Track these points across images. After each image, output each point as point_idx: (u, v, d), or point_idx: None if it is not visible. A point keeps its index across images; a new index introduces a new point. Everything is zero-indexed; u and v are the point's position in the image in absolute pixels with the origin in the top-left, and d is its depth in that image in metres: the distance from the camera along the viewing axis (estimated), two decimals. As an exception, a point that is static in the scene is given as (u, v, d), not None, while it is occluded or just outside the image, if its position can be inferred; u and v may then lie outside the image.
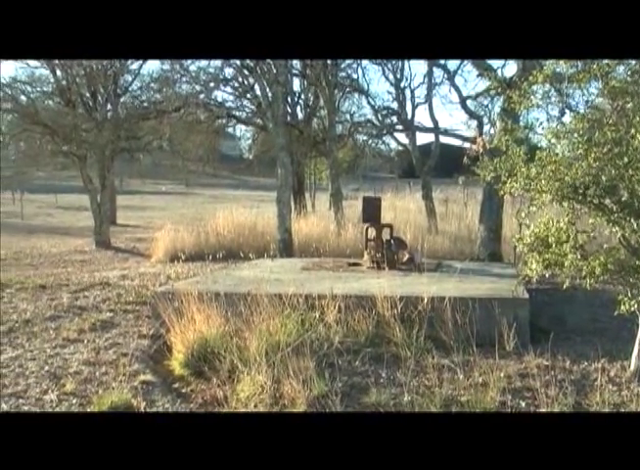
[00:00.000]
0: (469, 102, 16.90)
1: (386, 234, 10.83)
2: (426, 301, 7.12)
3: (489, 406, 5.14)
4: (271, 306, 6.99)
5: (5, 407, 5.54)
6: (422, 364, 6.21)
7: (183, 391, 5.94)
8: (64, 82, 20.09)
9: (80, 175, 20.29)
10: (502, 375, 5.85)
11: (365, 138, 24.71)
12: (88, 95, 20.72)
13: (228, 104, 21.71)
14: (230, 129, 41.26)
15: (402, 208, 19.10)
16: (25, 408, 5.50)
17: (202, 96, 18.95)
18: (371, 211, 10.99)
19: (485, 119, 14.90)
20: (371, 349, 6.79)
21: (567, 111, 6.20)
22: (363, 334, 7.04)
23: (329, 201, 22.11)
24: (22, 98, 20.83)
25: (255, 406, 5.33)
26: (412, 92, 20.22)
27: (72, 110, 20.00)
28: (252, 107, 21.56)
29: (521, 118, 11.20)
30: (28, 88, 21.17)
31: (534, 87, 6.26)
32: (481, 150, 10.16)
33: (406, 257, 10.31)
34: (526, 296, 7.52)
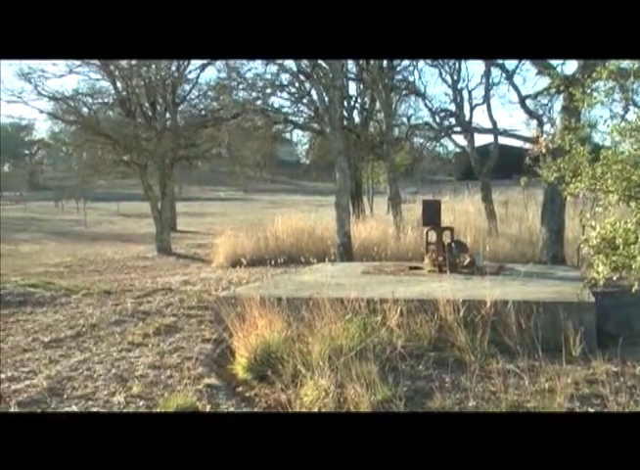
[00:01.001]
0: (528, 101, 16.61)
1: (446, 237, 10.73)
2: (489, 304, 7.01)
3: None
4: (333, 311, 6.98)
5: (75, 409, 5.69)
6: (486, 369, 6.12)
7: (247, 394, 5.97)
8: (124, 93, 20.51)
9: (141, 183, 20.68)
10: (569, 381, 5.70)
11: (422, 141, 24.55)
12: (147, 105, 21.12)
13: (285, 109, 21.87)
14: (287, 135, 41.59)
15: (461, 210, 18.89)
16: (95, 410, 5.67)
17: (259, 102, 19.14)
18: (431, 215, 10.90)
19: (545, 119, 14.60)
20: (434, 353, 6.72)
21: (631, 107, 6.06)
22: (426, 338, 6.97)
23: (387, 204, 22.06)
24: (85, 110, 21.35)
25: (320, 410, 5.33)
26: (470, 93, 20.01)
27: (133, 120, 20.40)
28: (309, 112, 21.68)
29: (581, 117, 11.02)
30: (90, 100, 21.69)
31: (597, 84, 6.13)
32: (544, 150, 9.99)
33: (467, 260, 10.18)
34: (592, 299, 7.34)
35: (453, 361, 6.39)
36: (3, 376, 6.74)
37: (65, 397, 6.06)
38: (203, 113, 21.51)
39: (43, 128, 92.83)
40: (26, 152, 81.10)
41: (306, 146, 43.76)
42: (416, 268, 10.56)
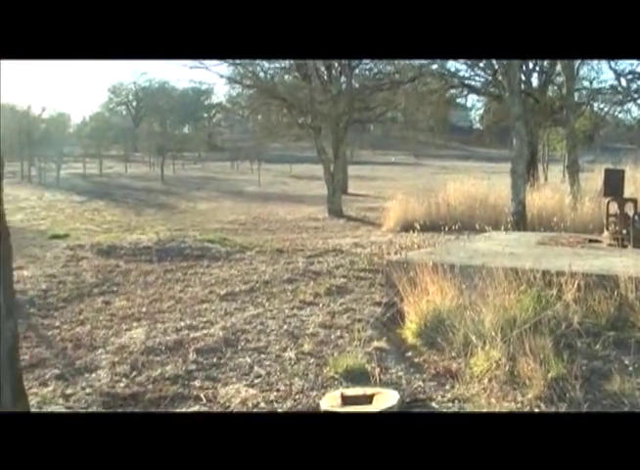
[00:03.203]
0: None
1: (629, 209, 10.10)
2: (677, 283, 6.54)
3: None
4: (506, 281, 6.78)
5: (248, 360, 5.93)
6: (672, 353, 5.72)
7: (415, 360, 5.94)
8: (300, 57, 20.81)
9: (314, 146, 21.02)
10: None
11: (605, 106, 23.18)
12: (323, 69, 21.33)
13: (461, 73, 21.37)
14: (460, 100, 40.75)
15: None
16: (267, 363, 5.87)
17: (435, 66, 18.80)
18: (613, 185, 10.29)
19: None
20: (613, 332, 6.34)
21: None
22: (604, 316, 6.60)
23: (563, 173, 21.12)
24: (262, 74, 21.90)
25: (490, 382, 5.23)
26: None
27: (308, 83, 20.70)
28: (486, 75, 21.04)
29: None
30: (267, 64, 22.23)
31: None
32: None
33: (654, 234, 9.54)
34: None
35: (635, 343, 6.02)
36: (182, 324, 7.14)
37: (239, 348, 6.33)
38: (378, 76, 21.44)
39: (221, 92, 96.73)
40: (205, 115, 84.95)
41: (480, 111, 42.62)
42: (595, 241, 10.03)
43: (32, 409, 4.53)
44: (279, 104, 21.56)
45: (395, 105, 20.86)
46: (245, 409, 4.78)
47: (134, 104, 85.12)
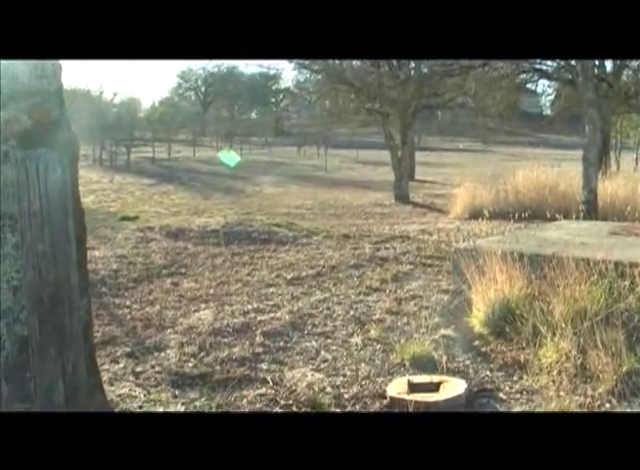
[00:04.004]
0: None
1: None
2: None
3: None
4: (577, 271, 6.63)
5: (315, 345, 5.96)
6: None
7: (483, 350, 5.87)
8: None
9: (381, 132, 20.90)
10: None
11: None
12: (393, 53, 21.14)
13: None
14: (531, 85, 39.86)
15: None
16: (333, 348, 5.90)
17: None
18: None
19: None
20: (689, 326, 6.16)
21: None
22: (680, 309, 6.41)
23: (635, 161, 20.50)
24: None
25: (559, 374, 5.13)
26: None
27: (377, 68, 20.56)
28: (558, 60, 20.51)
29: None
30: (337, 49, 22.08)
31: None
32: None
33: None
34: None
35: None
36: (250, 307, 7.22)
37: (305, 332, 6.37)
38: (448, 61, 21.15)
39: (289, 77, 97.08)
40: (272, 100, 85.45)
41: (551, 97, 41.61)
42: (672, 232, 9.73)
43: (103, 387, 4.63)
44: (347, 89, 21.46)
45: (465, 90, 20.50)
46: (311, 393, 4.81)
47: (203, 89, 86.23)
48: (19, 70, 3.58)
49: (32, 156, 3.75)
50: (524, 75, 22.69)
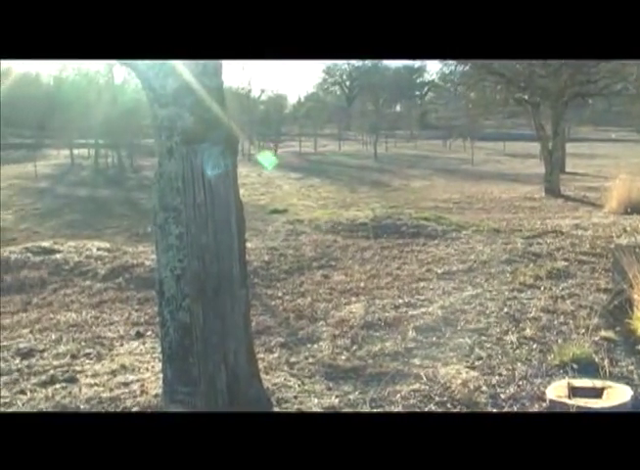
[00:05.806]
0: None
1: None
2: None
3: None
4: None
5: (468, 341, 5.85)
6: None
7: (646, 353, 5.56)
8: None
9: (531, 123, 20.26)
10: None
11: None
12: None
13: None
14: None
15: None
16: (488, 345, 5.76)
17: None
18: None
19: None
20: None
21: None
22: None
23: None
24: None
25: None
26: None
27: (528, 56, 19.90)
28: None
29: None
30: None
31: None
32: None
33: None
34: None
35: None
36: (401, 301, 7.20)
37: (458, 328, 6.27)
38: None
39: (434, 70, 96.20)
40: (417, 93, 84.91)
41: None
42: None
43: (258, 378, 4.73)
44: (495, 80, 20.93)
45: (624, 76, 19.41)
46: (466, 391, 4.72)
47: (347, 83, 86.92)
48: (180, 67, 3.71)
49: (196, 151, 3.91)
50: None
